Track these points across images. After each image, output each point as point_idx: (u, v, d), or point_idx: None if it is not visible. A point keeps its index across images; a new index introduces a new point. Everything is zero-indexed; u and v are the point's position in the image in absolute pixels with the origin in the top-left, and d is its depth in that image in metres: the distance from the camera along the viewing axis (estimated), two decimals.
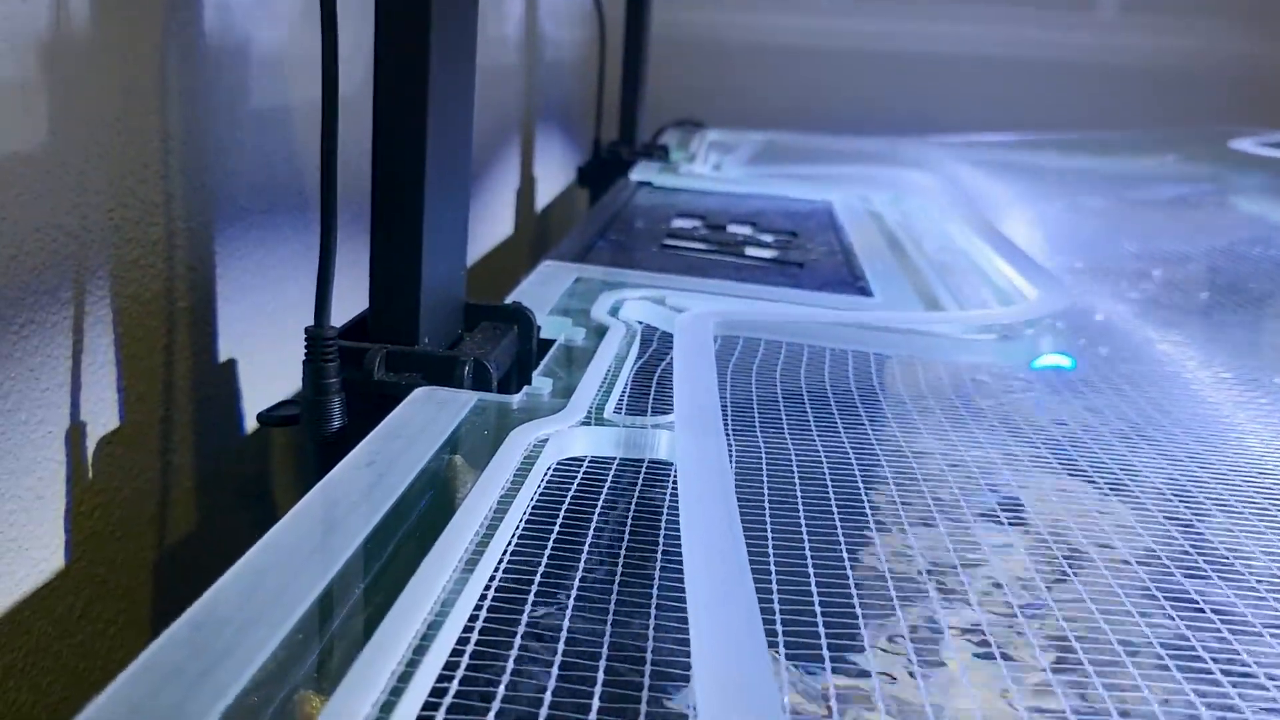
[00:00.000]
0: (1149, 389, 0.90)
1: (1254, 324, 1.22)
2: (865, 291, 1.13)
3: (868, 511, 0.60)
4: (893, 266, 1.27)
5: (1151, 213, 1.93)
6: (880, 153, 2.53)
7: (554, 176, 2.26)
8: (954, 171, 2.31)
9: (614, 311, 0.93)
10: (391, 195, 0.69)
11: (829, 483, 0.63)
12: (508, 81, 1.97)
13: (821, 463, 0.66)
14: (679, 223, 1.52)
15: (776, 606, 0.48)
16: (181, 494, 0.86)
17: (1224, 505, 0.65)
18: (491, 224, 1.89)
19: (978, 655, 0.47)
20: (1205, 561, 0.57)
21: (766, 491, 0.61)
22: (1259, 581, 0.55)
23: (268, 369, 0.96)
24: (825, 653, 0.45)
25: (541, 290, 0.98)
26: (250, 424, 0.96)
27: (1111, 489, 0.67)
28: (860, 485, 0.63)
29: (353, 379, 0.69)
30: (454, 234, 0.77)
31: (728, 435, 0.68)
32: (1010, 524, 0.60)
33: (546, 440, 0.63)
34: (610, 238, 1.38)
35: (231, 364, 0.91)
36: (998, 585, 0.53)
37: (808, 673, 0.44)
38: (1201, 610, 0.52)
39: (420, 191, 0.68)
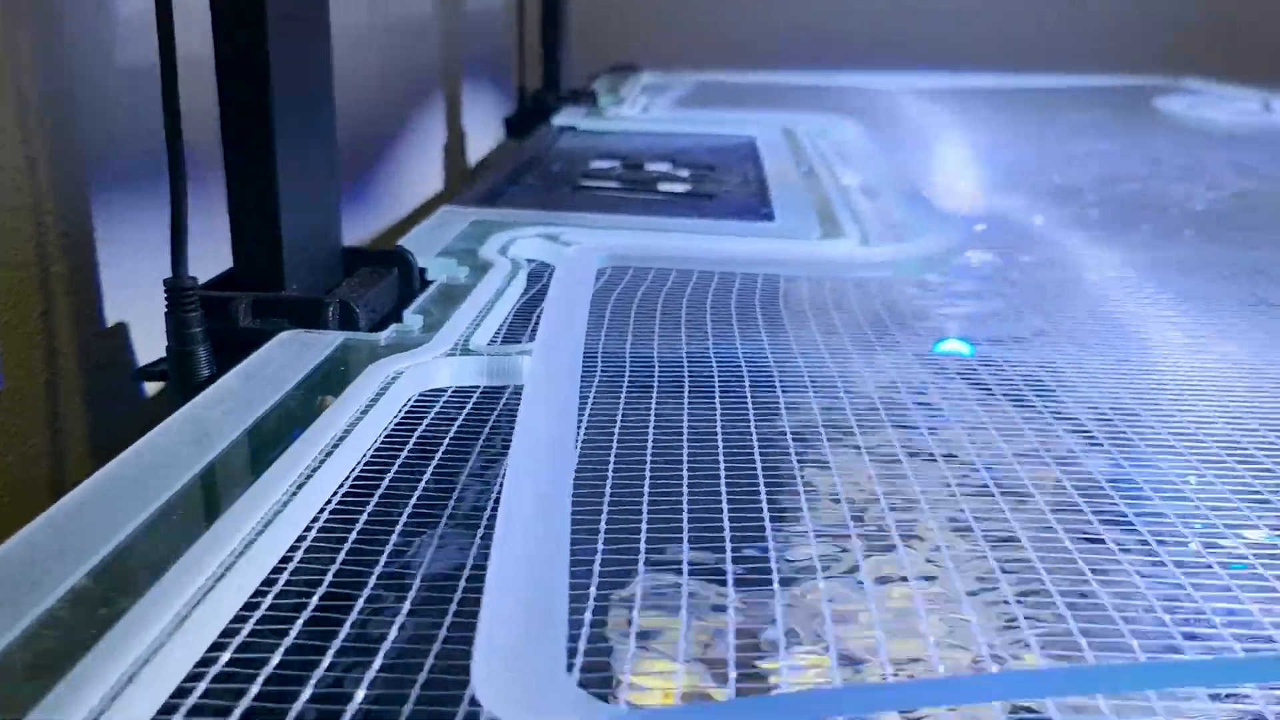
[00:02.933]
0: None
1: (1159, 239, 1.24)
2: (768, 218, 1.13)
3: (728, 422, 0.61)
4: (802, 196, 1.27)
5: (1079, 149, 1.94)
6: (815, 88, 2.52)
7: (485, 130, 2.24)
8: (888, 106, 2.31)
9: (503, 251, 0.93)
10: (239, 138, 0.69)
11: (687, 399, 0.64)
12: (426, 33, 1.95)
13: (684, 380, 0.67)
14: (597, 164, 1.52)
15: (645, 514, 0.48)
16: (78, 458, 0.86)
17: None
18: (420, 181, 1.88)
19: (828, 564, 0.48)
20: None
21: (621, 410, 0.62)
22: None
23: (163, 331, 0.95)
24: (685, 564, 0.46)
25: (434, 234, 0.98)
26: (151, 387, 0.96)
27: (1005, 395, 0.68)
28: (718, 399, 0.64)
29: (218, 328, 0.69)
30: (319, 179, 0.77)
31: (598, 359, 0.69)
32: (861, 428, 0.61)
33: (403, 372, 0.63)
34: (524, 183, 1.37)
35: (122, 327, 0.91)
36: (872, 500, 0.54)
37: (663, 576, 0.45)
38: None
39: (268, 134, 0.68)
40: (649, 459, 0.55)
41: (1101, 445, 0.59)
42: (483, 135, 2.19)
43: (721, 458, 0.56)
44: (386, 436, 0.58)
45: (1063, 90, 2.51)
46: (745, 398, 0.64)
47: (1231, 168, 1.61)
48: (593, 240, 0.98)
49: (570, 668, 0.36)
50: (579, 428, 0.57)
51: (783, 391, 0.65)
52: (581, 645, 0.38)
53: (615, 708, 0.35)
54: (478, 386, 0.66)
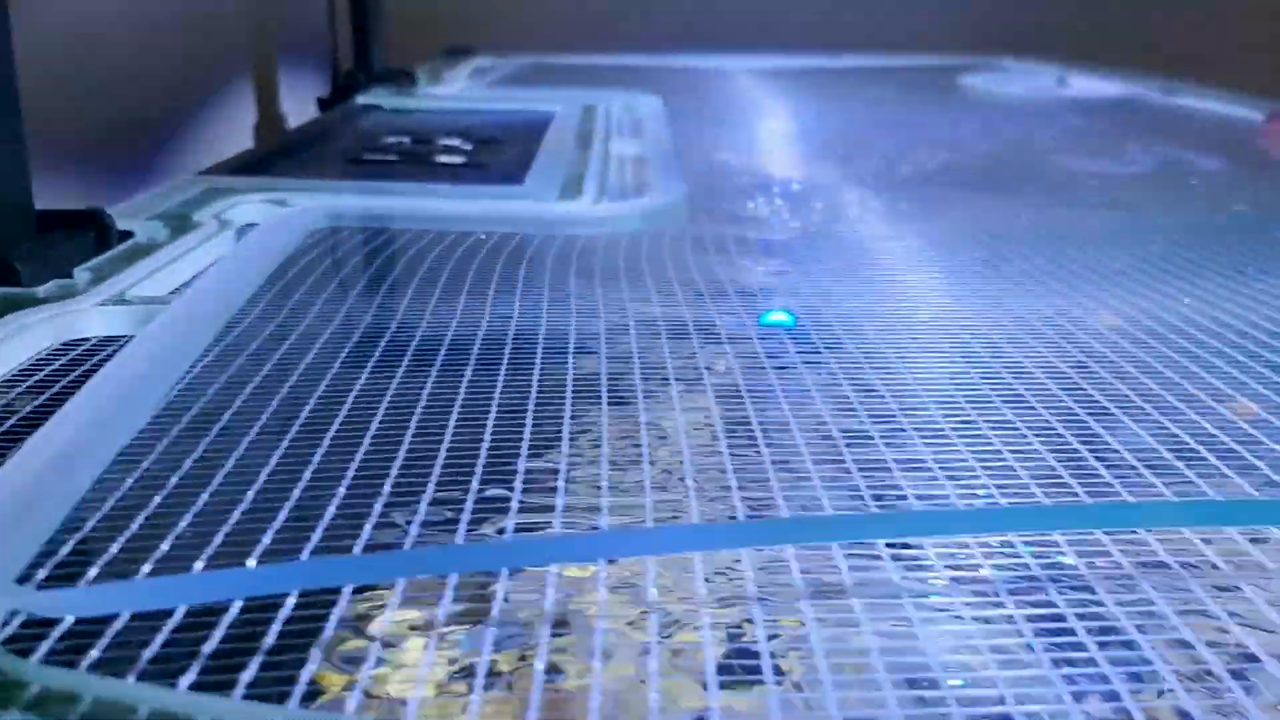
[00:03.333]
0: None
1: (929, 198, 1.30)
2: (517, 182, 1.16)
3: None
4: (567, 164, 1.30)
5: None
6: (654, 69, 2.56)
7: (299, 111, 2.23)
8: (714, 85, 2.36)
9: (220, 214, 0.94)
10: None
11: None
12: (238, 15, 1.94)
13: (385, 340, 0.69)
14: (388, 139, 1.53)
15: None
16: None
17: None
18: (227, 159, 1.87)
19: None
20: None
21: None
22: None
23: None
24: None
25: (159, 199, 0.99)
26: None
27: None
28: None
29: None
30: None
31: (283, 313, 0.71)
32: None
33: (43, 320, 0.64)
34: (295, 156, 1.38)
35: None
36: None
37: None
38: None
39: None
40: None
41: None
42: (296, 116, 2.18)
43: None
44: (7, 380, 0.59)
45: (887, 69, 2.59)
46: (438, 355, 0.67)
47: (992, 133, 1.69)
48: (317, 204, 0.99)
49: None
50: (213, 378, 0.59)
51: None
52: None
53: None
54: (128, 336, 0.67)
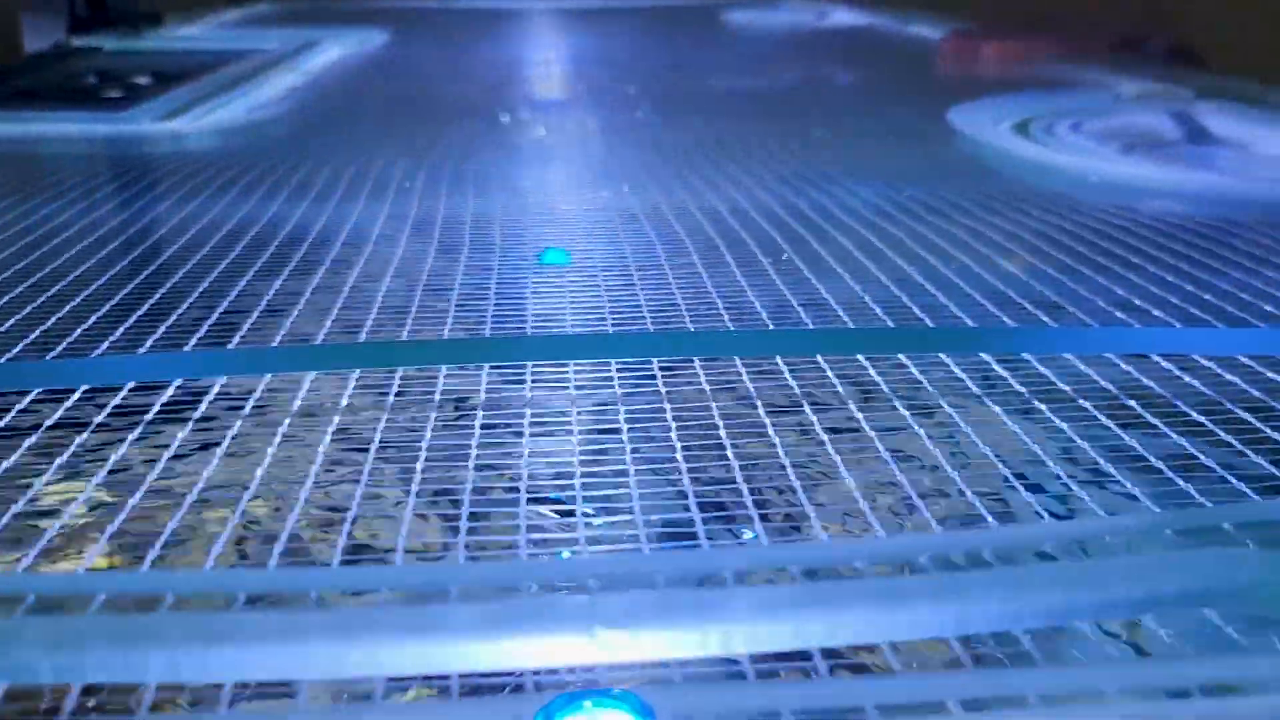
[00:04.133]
0: None
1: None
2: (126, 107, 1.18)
3: None
4: (196, 90, 1.31)
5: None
6: (432, 10, 2.56)
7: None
8: (505, 27, 2.36)
9: None
10: None
11: None
12: None
13: None
14: (89, 79, 1.53)
15: None
16: None
17: None
18: None
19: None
20: None
21: None
22: None
23: None
24: None
25: None
26: None
27: None
28: None
29: None
30: None
31: None
32: None
33: None
34: None
35: None
36: None
37: None
38: None
39: None
40: None
41: None
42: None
43: None
44: None
45: (673, 7, 2.61)
46: None
47: (714, 62, 1.73)
48: None
49: None
50: None
51: None
52: None
53: None
54: None
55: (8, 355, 0.51)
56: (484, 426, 0.45)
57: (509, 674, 0.31)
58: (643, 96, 1.44)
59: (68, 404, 0.46)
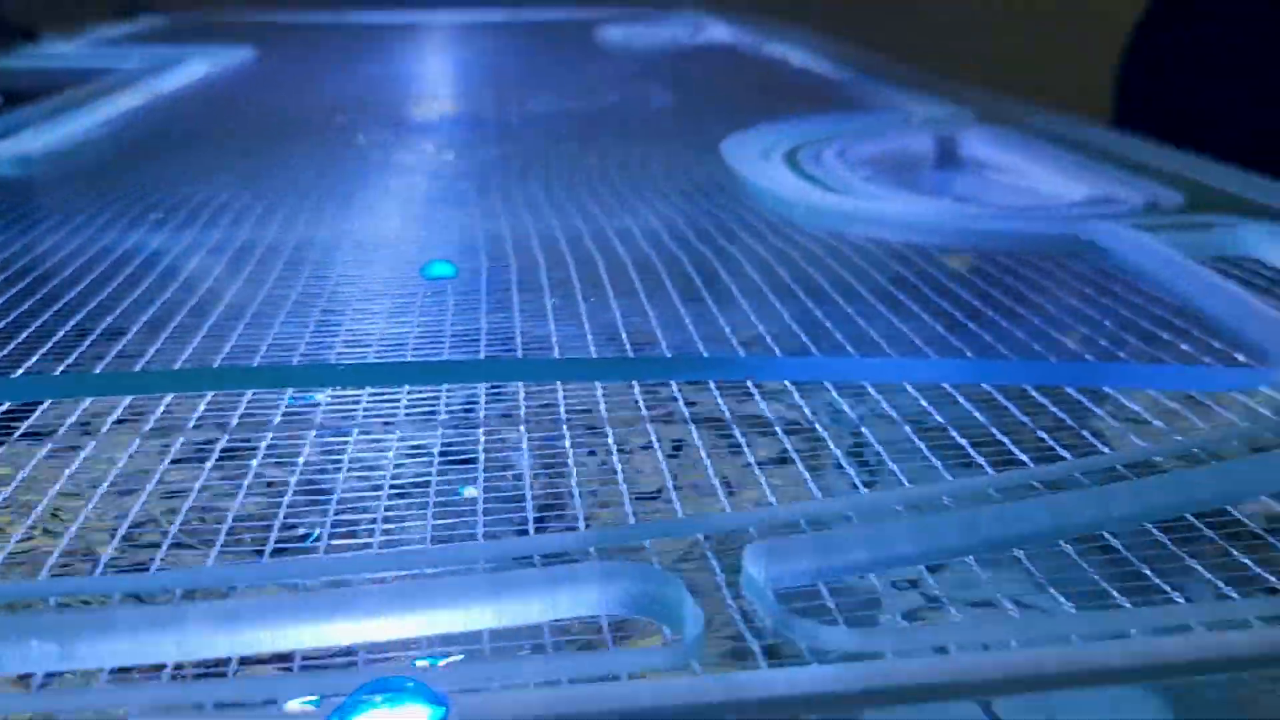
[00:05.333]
0: None
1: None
2: None
3: None
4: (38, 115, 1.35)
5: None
6: (325, 25, 2.59)
7: None
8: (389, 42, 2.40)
9: None
10: None
11: None
12: None
13: None
14: None
15: None
16: None
17: None
18: None
19: None
20: None
21: None
22: None
23: None
24: None
25: None
26: None
27: None
28: None
29: None
30: None
31: None
32: None
33: None
34: None
35: None
36: None
37: None
38: None
39: None
40: None
41: None
42: None
43: None
44: None
45: (549, 22, 2.66)
46: None
47: (555, 81, 1.79)
48: None
49: None
50: None
51: None
52: None
53: None
54: None
55: None
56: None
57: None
58: (480, 119, 1.49)
59: None
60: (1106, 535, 0.42)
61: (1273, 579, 0.39)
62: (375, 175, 1.13)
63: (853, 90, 1.54)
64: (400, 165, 1.19)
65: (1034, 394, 0.56)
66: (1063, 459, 0.49)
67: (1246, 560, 0.41)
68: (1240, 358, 0.58)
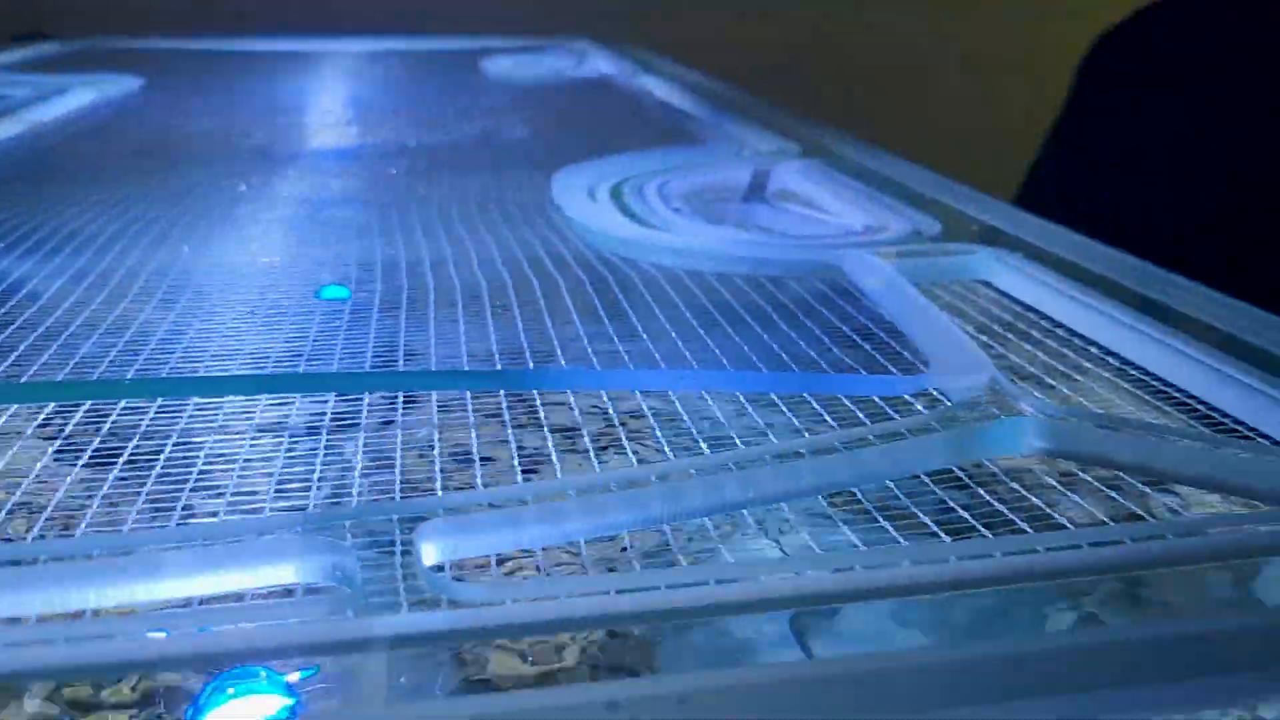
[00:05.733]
0: None
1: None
2: None
3: None
4: None
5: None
6: (213, 51, 2.63)
7: None
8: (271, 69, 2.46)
9: None
10: None
11: None
12: None
13: None
14: None
15: None
16: None
17: None
18: None
19: None
20: None
21: None
22: None
23: None
24: None
25: None
26: None
27: None
28: None
29: None
30: None
31: None
32: None
33: None
34: None
35: None
36: None
37: None
38: None
39: None
40: None
41: None
42: None
43: None
44: None
45: (436, 51, 2.74)
46: None
47: (425, 114, 1.87)
48: None
49: None
50: None
51: None
52: None
53: None
54: None
55: None
56: None
57: None
58: (356, 150, 1.57)
59: None
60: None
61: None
62: (242, 205, 1.20)
63: (703, 123, 1.65)
64: (271, 195, 1.25)
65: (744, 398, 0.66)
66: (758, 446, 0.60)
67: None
68: (919, 365, 0.68)
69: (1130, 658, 0.38)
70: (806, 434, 0.62)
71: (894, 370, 0.69)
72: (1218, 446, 0.58)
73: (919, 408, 0.64)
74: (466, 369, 0.74)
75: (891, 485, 0.56)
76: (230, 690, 0.41)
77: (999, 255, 0.89)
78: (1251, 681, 0.37)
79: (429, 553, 0.47)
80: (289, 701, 0.40)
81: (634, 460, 0.59)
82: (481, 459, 0.60)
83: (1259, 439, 0.60)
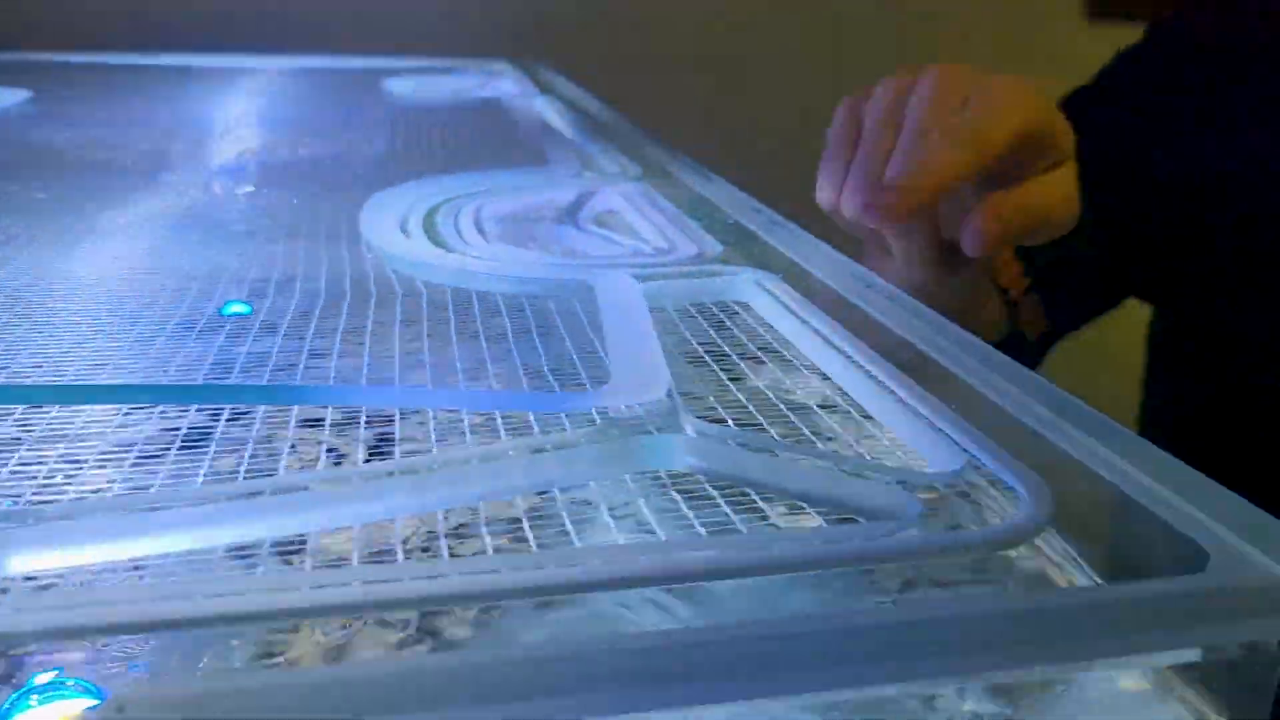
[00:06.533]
0: None
1: None
2: None
3: None
4: None
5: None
6: (137, 67, 2.64)
7: None
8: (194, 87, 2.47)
9: None
10: None
11: None
12: None
13: None
14: None
15: None
16: None
17: None
18: None
19: None
20: None
21: None
22: None
23: None
24: None
25: None
26: None
27: None
28: None
29: None
30: None
31: None
32: None
33: None
34: None
35: None
36: None
37: None
38: None
39: None
40: None
41: None
42: None
43: None
44: None
45: (341, 72, 2.75)
46: None
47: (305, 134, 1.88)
48: None
49: None
50: None
51: None
52: None
53: None
54: None
55: None
56: None
57: None
58: (237, 166, 1.57)
59: None
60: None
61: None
62: (81, 221, 1.20)
63: (568, 145, 1.66)
64: (148, 211, 1.25)
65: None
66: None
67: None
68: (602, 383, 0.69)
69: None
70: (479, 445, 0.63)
71: (590, 387, 0.70)
72: (854, 473, 0.59)
73: (596, 422, 0.65)
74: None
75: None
76: (34, 699, 0.40)
77: (760, 278, 0.91)
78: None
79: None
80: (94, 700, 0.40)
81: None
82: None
83: (907, 466, 0.61)
